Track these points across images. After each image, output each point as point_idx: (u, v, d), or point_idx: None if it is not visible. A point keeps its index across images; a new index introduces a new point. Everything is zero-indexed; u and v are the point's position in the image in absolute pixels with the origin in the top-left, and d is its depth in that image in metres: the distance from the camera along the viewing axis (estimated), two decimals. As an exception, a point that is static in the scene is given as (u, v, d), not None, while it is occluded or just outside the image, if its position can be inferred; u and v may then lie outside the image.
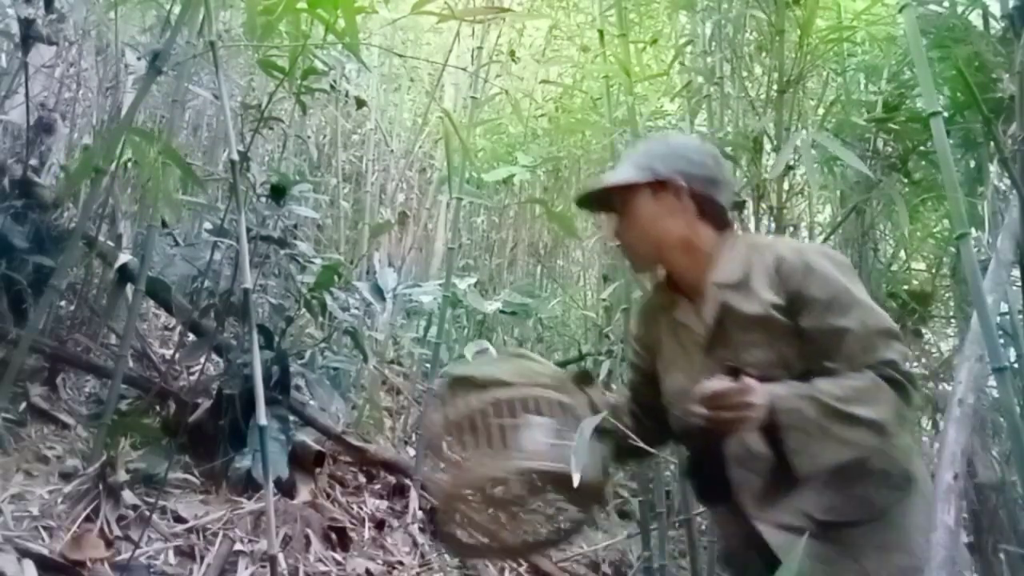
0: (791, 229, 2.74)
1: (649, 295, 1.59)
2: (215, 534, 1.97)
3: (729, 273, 1.36)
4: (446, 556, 2.43)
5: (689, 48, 2.73)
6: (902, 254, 2.83)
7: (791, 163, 2.17)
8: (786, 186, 2.38)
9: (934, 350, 2.84)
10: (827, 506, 1.23)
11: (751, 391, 1.16)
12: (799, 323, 1.28)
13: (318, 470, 2.43)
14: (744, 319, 1.32)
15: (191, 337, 2.57)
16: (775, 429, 1.19)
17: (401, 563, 2.29)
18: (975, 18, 2.17)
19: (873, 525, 1.24)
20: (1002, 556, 2.19)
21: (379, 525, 2.45)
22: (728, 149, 2.51)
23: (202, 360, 2.43)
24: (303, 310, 2.65)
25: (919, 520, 1.29)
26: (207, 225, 2.75)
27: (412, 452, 3.01)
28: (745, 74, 2.60)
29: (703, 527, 2.57)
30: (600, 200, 1.48)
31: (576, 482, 1.05)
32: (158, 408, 2.45)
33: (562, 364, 4.27)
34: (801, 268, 1.30)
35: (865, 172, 2.09)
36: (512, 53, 3.94)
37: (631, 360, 1.58)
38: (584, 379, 1.46)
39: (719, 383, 1.17)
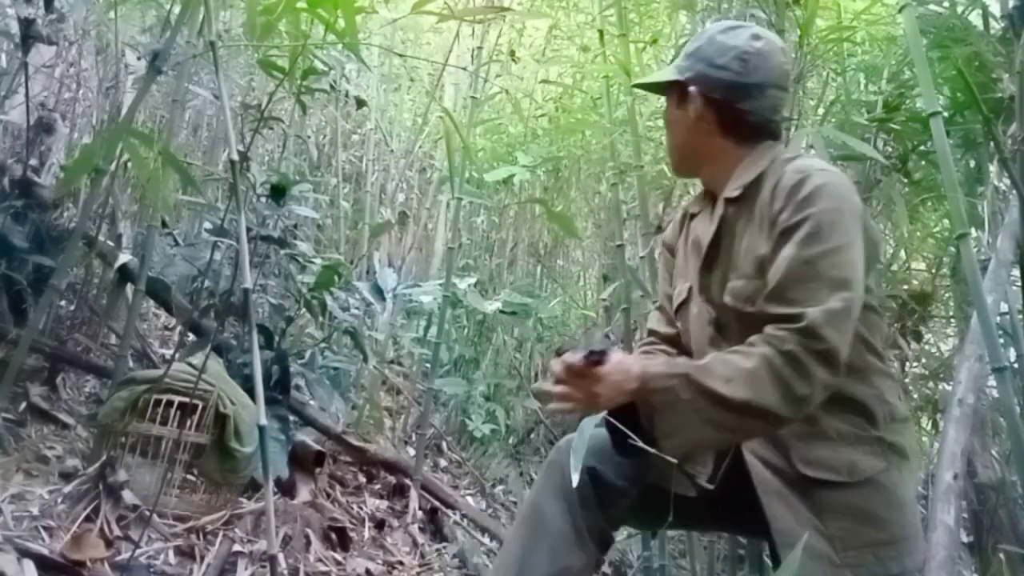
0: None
1: (689, 199, 1.51)
2: (215, 534, 1.97)
3: (734, 188, 1.28)
4: (446, 556, 2.43)
5: (689, 48, 2.72)
6: (902, 254, 2.83)
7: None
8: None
9: (934, 350, 2.84)
10: (813, 459, 1.18)
11: (596, 381, 1.10)
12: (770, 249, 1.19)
13: (318, 470, 2.43)
14: (738, 240, 1.26)
15: (191, 337, 2.57)
16: (650, 407, 1.11)
17: (401, 563, 2.29)
18: (975, 18, 2.17)
19: (853, 490, 1.17)
20: (1002, 556, 2.19)
21: (379, 525, 2.45)
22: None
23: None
24: (303, 310, 2.65)
25: (904, 494, 1.20)
26: (207, 225, 2.75)
27: (412, 452, 3.01)
28: (745, 74, 2.59)
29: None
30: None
31: (575, 482, 1.05)
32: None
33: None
34: (789, 187, 1.18)
35: (878, 159, 2.07)
36: (512, 53, 3.94)
37: (663, 266, 1.52)
38: None
39: (566, 366, 1.12)
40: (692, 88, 1.30)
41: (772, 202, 1.20)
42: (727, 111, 1.28)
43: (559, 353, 1.16)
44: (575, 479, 1.03)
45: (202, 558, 1.87)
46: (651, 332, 1.49)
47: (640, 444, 1.14)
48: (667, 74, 1.36)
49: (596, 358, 1.11)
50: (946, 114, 1.92)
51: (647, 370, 1.12)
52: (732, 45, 1.27)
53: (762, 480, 1.20)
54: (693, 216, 1.40)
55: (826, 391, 1.10)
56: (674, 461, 1.12)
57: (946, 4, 2.18)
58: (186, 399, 1.99)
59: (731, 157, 1.30)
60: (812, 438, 1.18)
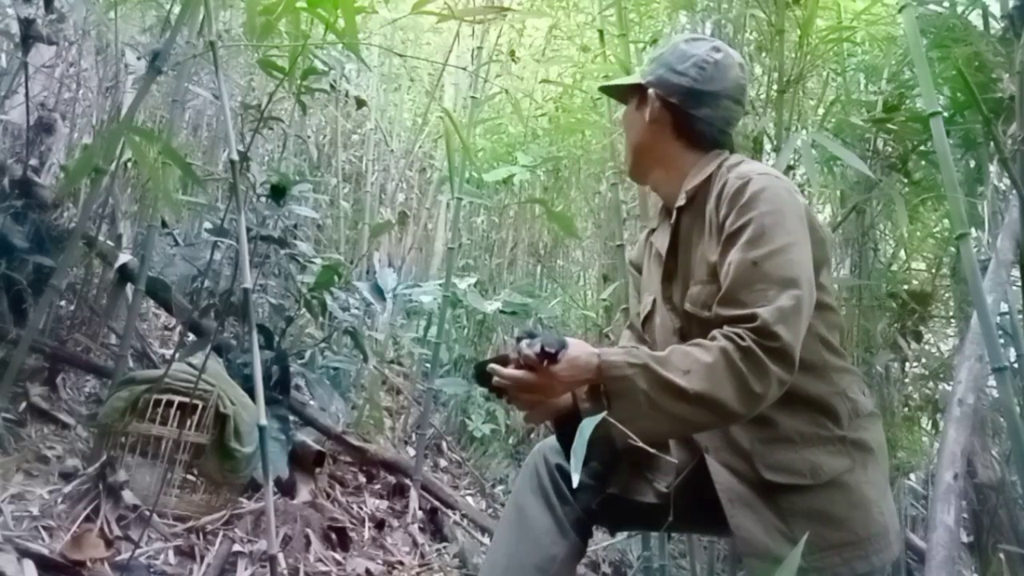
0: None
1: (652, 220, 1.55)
2: (215, 534, 1.97)
3: (683, 196, 1.32)
4: (446, 556, 2.43)
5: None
6: (902, 254, 2.82)
7: (791, 163, 2.18)
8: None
9: (934, 350, 2.83)
10: (774, 463, 1.19)
11: (549, 377, 1.12)
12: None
13: (318, 470, 2.43)
14: (693, 247, 1.29)
15: (191, 337, 2.57)
16: (606, 394, 1.12)
17: (401, 563, 2.29)
18: (975, 18, 2.17)
19: (815, 492, 1.17)
20: (1002, 556, 2.19)
21: (379, 525, 2.45)
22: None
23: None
24: (303, 310, 2.66)
25: (867, 492, 1.19)
26: (207, 225, 2.75)
27: (412, 452, 3.01)
28: (745, 74, 2.59)
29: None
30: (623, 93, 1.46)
31: (575, 482, 1.05)
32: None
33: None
34: (732, 193, 1.20)
35: (866, 172, 2.09)
36: (512, 53, 3.94)
37: (632, 286, 1.59)
38: None
39: (522, 355, 1.13)
40: (651, 91, 1.35)
41: (718, 209, 1.23)
42: (681, 115, 1.34)
43: (519, 340, 1.17)
44: (575, 478, 1.03)
45: (202, 558, 1.87)
46: None
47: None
48: (631, 78, 1.44)
49: (550, 356, 1.13)
50: (946, 114, 1.92)
51: (605, 358, 1.14)
52: (693, 53, 1.33)
53: (726, 487, 1.21)
54: (653, 231, 1.46)
55: (780, 388, 1.11)
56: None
57: (946, 4, 2.19)
58: (186, 399, 1.99)
59: (681, 161, 1.35)
60: (774, 442, 1.20)
